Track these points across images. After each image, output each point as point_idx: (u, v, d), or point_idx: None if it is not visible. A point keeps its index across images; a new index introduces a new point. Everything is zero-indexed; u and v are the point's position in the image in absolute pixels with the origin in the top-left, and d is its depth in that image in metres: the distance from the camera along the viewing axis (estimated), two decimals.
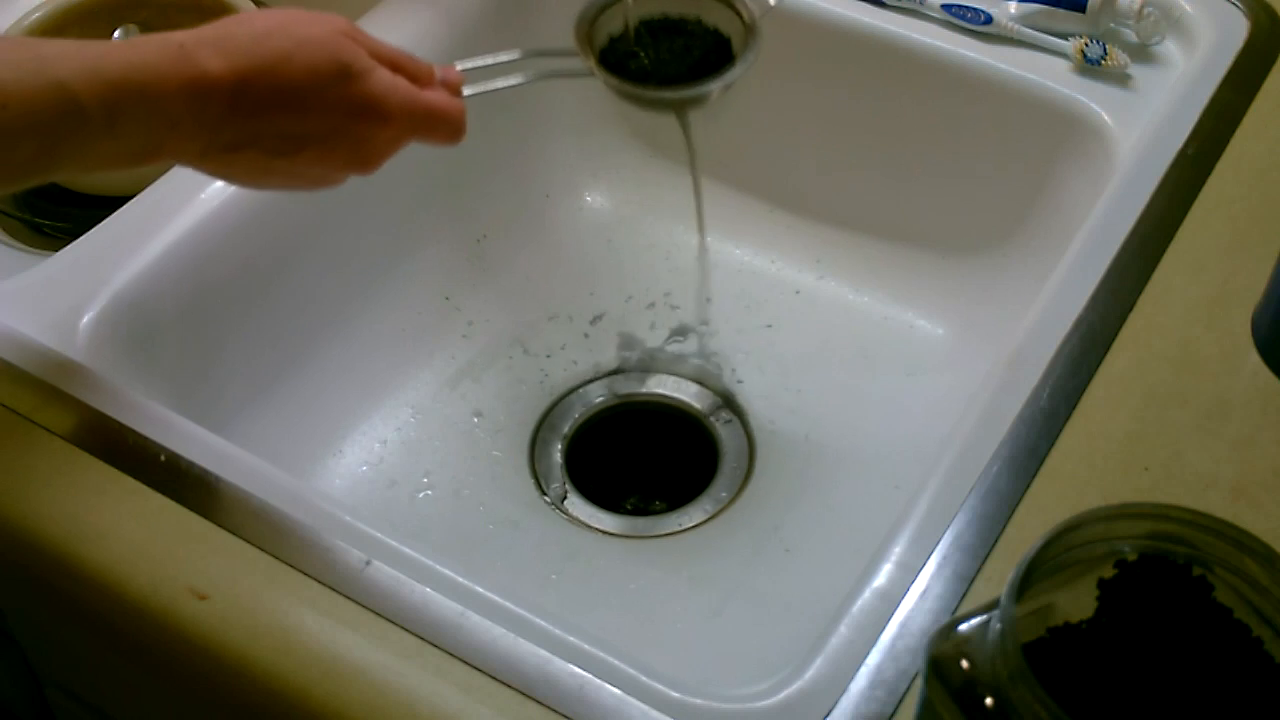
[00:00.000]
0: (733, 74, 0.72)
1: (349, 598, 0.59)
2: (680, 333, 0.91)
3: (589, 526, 0.82)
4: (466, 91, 0.68)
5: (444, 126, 0.66)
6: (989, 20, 0.86)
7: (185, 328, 0.76)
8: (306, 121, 0.61)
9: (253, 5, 0.90)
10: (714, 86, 0.72)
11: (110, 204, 0.77)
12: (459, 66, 0.69)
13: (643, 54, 0.73)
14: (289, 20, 0.61)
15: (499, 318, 0.92)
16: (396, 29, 0.87)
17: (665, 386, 0.90)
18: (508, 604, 0.59)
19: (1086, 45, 0.83)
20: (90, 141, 0.56)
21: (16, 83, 0.54)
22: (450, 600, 0.58)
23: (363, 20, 0.88)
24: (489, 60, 0.71)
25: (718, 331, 0.91)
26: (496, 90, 0.70)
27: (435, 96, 0.65)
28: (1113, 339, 0.68)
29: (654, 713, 0.55)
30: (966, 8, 0.86)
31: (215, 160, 0.62)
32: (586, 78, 0.72)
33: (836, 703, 0.55)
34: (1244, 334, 0.69)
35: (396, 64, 0.65)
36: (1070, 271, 0.72)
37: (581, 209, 0.98)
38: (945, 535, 0.60)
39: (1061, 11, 0.85)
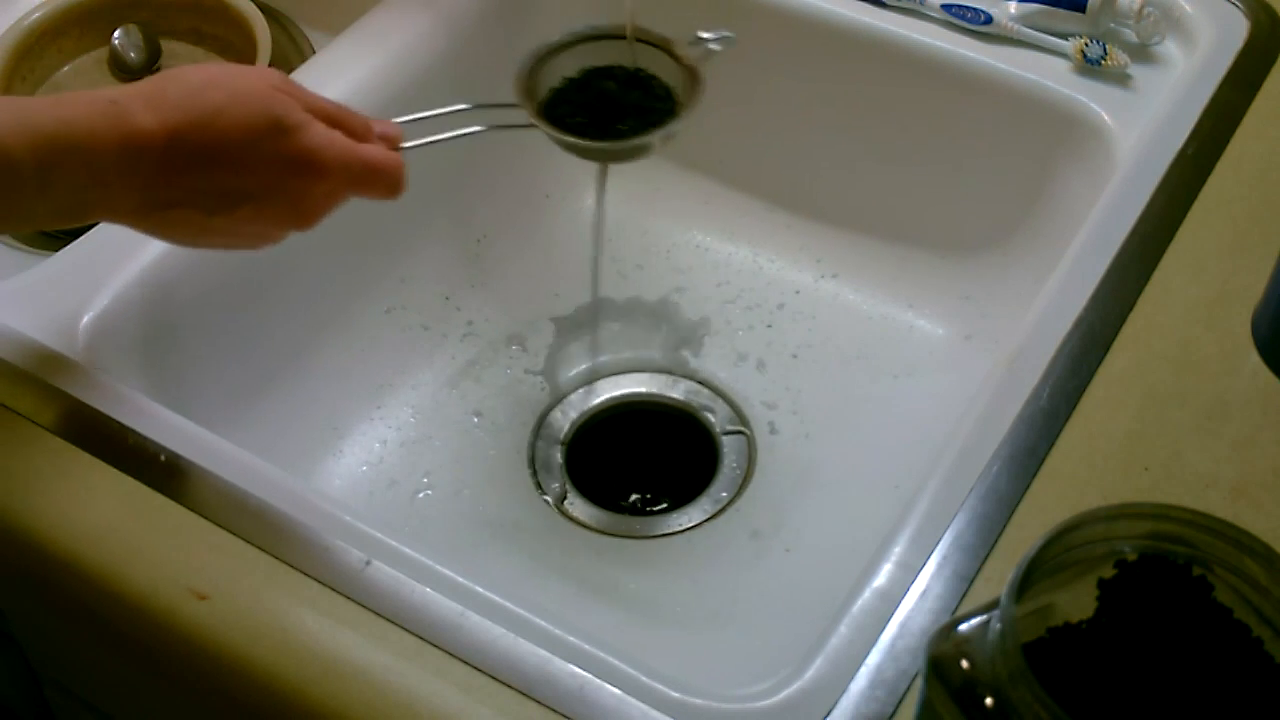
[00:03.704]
0: (674, 126, 0.72)
1: (349, 598, 0.59)
2: (680, 331, 0.92)
3: (589, 526, 0.82)
4: (405, 145, 0.67)
5: (382, 181, 0.64)
6: (989, 20, 0.86)
7: (185, 328, 0.76)
8: (241, 177, 0.60)
9: (252, 6, 0.90)
10: (654, 138, 0.71)
11: None
12: (399, 120, 0.68)
13: (584, 105, 0.73)
14: (222, 75, 0.61)
15: (499, 318, 0.92)
16: (395, 31, 0.87)
17: (665, 386, 0.90)
18: (508, 604, 0.59)
19: (1086, 45, 0.83)
20: (23, 199, 0.55)
21: None
22: (450, 600, 0.58)
23: (361, 23, 0.88)
24: (429, 114, 0.70)
25: (718, 331, 0.91)
26: (437, 144, 0.69)
27: (372, 151, 0.64)
28: (1113, 339, 0.68)
29: (654, 713, 0.55)
30: (966, 8, 0.86)
31: (150, 219, 0.61)
32: (529, 129, 0.72)
33: (836, 703, 0.55)
34: (1244, 334, 0.69)
35: (333, 118, 0.64)
36: (1070, 271, 0.72)
37: (581, 209, 0.98)
38: (945, 535, 0.61)
39: (1061, 11, 0.85)
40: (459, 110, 0.72)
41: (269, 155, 0.60)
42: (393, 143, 0.66)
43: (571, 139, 0.72)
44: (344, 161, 0.63)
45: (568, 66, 0.74)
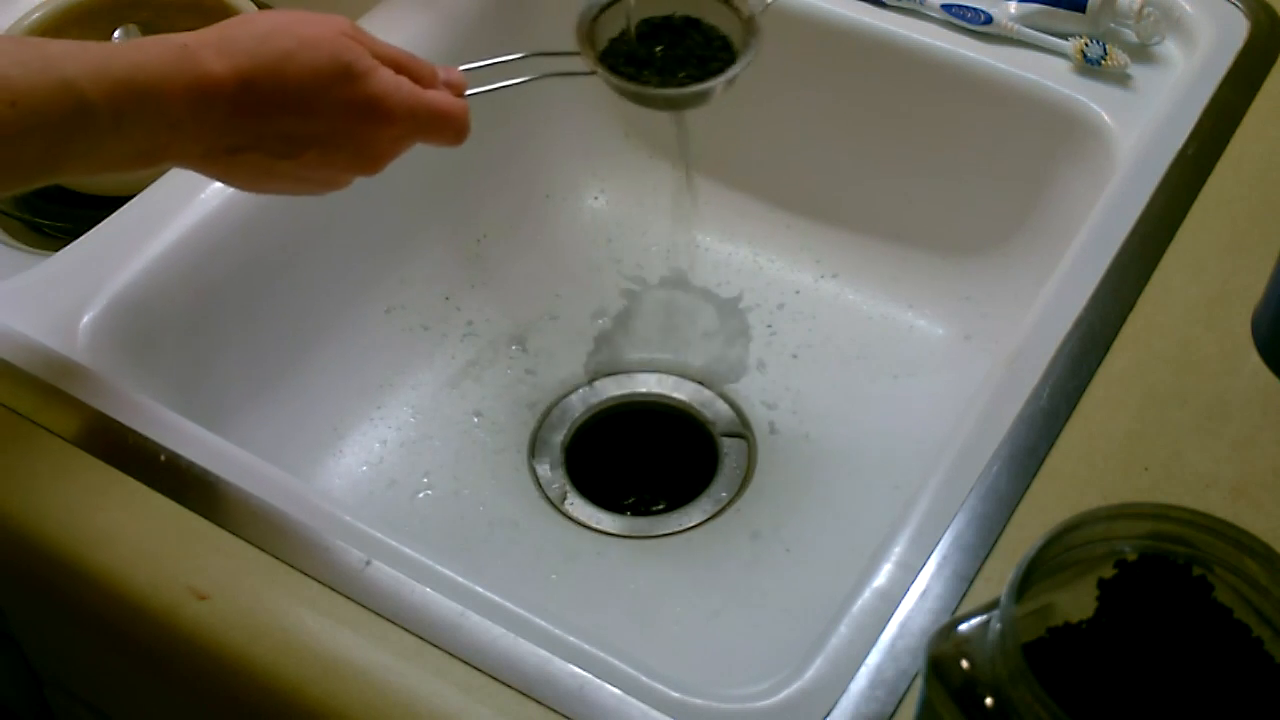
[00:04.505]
0: (733, 71, 0.72)
1: (349, 598, 0.59)
2: (680, 331, 0.92)
3: (589, 526, 0.82)
4: (469, 92, 0.68)
5: (448, 127, 0.65)
6: (989, 20, 0.86)
7: (185, 328, 0.76)
8: (309, 122, 0.61)
9: (253, 6, 0.90)
10: (715, 84, 0.72)
11: (110, 204, 0.77)
12: (462, 68, 0.69)
13: (644, 53, 0.73)
14: (291, 21, 0.61)
15: (499, 318, 0.92)
16: (395, 31, 0.87)
17: (665, 386, 0.90)
18: (508, 604, 0.59)
19: (1086, 45, 0.83)
20: (96, 141, 0.56)
21: (24, 80, 0.54)
22: (450, 600, 0.58)
23: (362, 21, 0.88)
24: (492, 61, 0.71)
25: (718, 331, 0.91)
26: (499, 90, 0.70)
27: (438, 96, 0.65)
28: (1113, 339, 0.68)
29: (654, 713, 0.55)
30: (966, 8, 0.86)
31: (218, 163, 0.62)
32: (588, 77, 0.73)
33: (836, 703, 0.55)
34: (1244, 334, 0.69)
35: (399, 64, 0.64)
36: (1070, 271, 0.72)
37: (582, 209, 0.98)
38: (945, 535, 0.61)
39: (1061, 11, 0.85)
40: (521, 58, 0.72)
41: (337, 101, 0.61)
42: (458, 89, 0.67)
43: (633, 86, 0.72)
44: (410, 107, 0.63)
45: (625, 17, 0.75)
